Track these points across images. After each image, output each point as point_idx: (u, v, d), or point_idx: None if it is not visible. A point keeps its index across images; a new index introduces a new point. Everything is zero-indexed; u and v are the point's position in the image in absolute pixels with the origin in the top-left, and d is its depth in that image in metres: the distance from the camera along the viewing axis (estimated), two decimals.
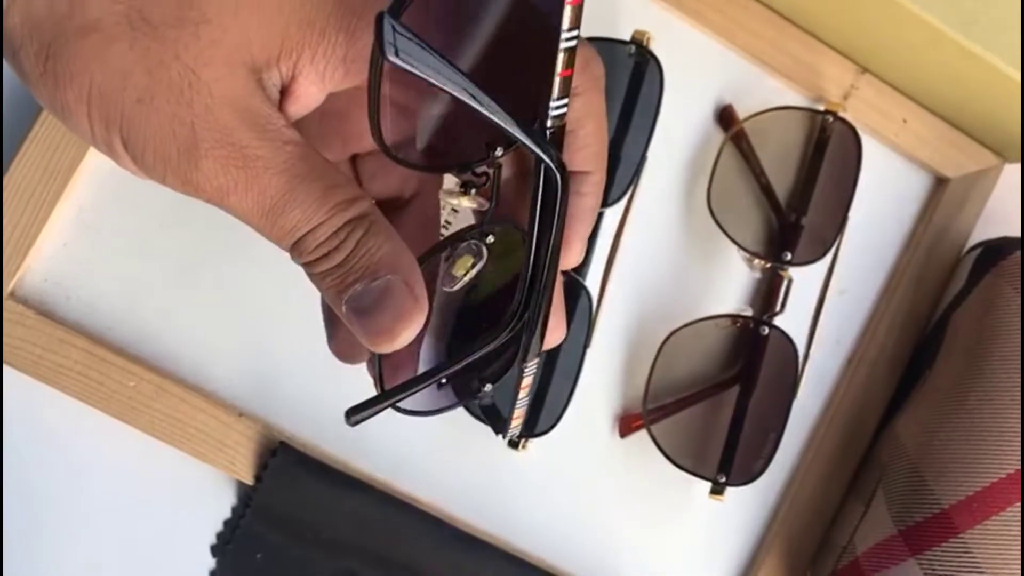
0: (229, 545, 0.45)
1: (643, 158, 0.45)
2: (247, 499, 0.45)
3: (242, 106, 0.25)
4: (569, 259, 0.30)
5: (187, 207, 0.45)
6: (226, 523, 0.46)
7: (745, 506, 0.49)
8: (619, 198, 0.45)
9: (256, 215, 0.26)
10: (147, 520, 0.45)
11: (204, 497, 0.45)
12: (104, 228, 0.45)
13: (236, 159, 0.25)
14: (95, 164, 0.44)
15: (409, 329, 0.26)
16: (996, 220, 0.50)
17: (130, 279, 0.45)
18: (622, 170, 0.45)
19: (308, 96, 0.27)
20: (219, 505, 0.46)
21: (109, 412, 0.43)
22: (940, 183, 0.50)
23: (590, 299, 0.45)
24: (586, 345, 0.45)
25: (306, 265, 0.27)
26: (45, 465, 0.44)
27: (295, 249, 0.26)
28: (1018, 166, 0.50)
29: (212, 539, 0.46)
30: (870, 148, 0.49)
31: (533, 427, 0.45)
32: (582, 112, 0.28)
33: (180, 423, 0.44)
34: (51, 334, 0.43)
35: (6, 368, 0.43)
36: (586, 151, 0.29)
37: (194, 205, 0.45)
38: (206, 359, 0.45)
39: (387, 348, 0.26)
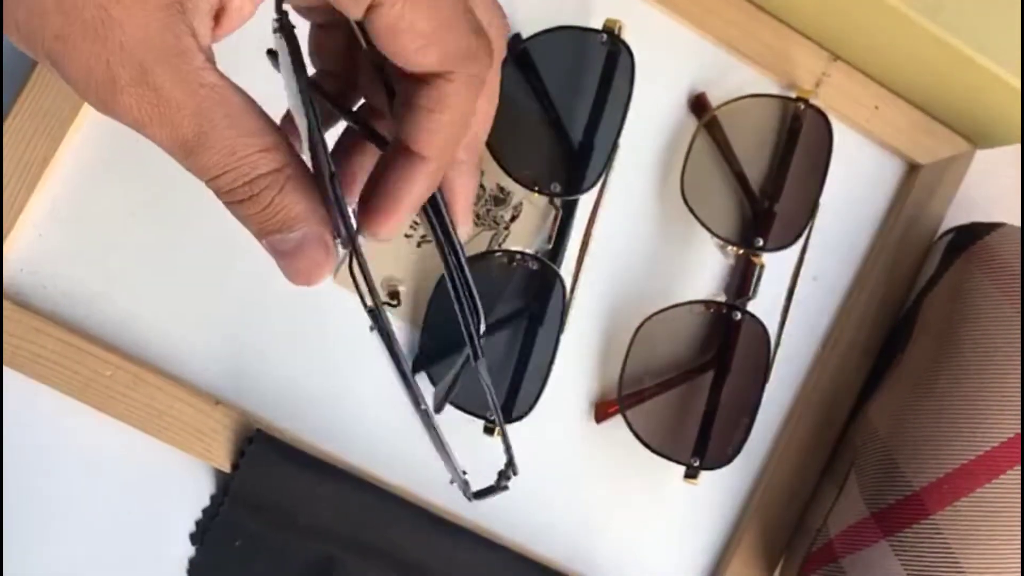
0: (208, 533, 0.45)
1: (615, 146, 0.46)
2: (225, 487, 0.45)
3: (156, 44, 0.25)
4: (389, 225, 0.30)
5: (162, 196, 0.45)
6: (204, 511, 0.46)
7: (720, 490, 0.49)
8: (592, 186, 0.46)
9: (172, 149, 0.27)
10: (125, 509, 0.45)
11: (182, 485, 0.46)
12: (79, 218, 0.45)
13: (151, 98, 0.26)
14: (69, 155, 0.45)
15: (323, 276, 0.29)
16: (968, 206, 0.50)
17: (106, 268, 0.45)
18: (595, 158, 0.46)
19: (242, 10, 0.28)
20: (197, 493, 0.46)
21: (85, 401, 0.44)
22: (912, 169, 0.51)
23: (563, 286, 0.46)
24: (560, 331, 0.46)
25: (224, 203, 0.28)
26: (21, 455, 0.45)
27: (211, 186, 0.27)
28: (990, 152, 0.50)
29: (191, 527, 0.46)
30: (842, 135, 0.50)
31: (509, 413, 0.45)
32: (446, 100, 0.29)
33: (157, 411, 0.44)
34: (27, 324, 0.43)
35: None
36: (433, 136, 0.29)
37: (169, 194, 0.45)
38: (182, 347, 0.45)
39: (304, 285, 0.29)
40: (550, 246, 0.47)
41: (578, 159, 0.46)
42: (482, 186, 0.47)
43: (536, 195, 0.47)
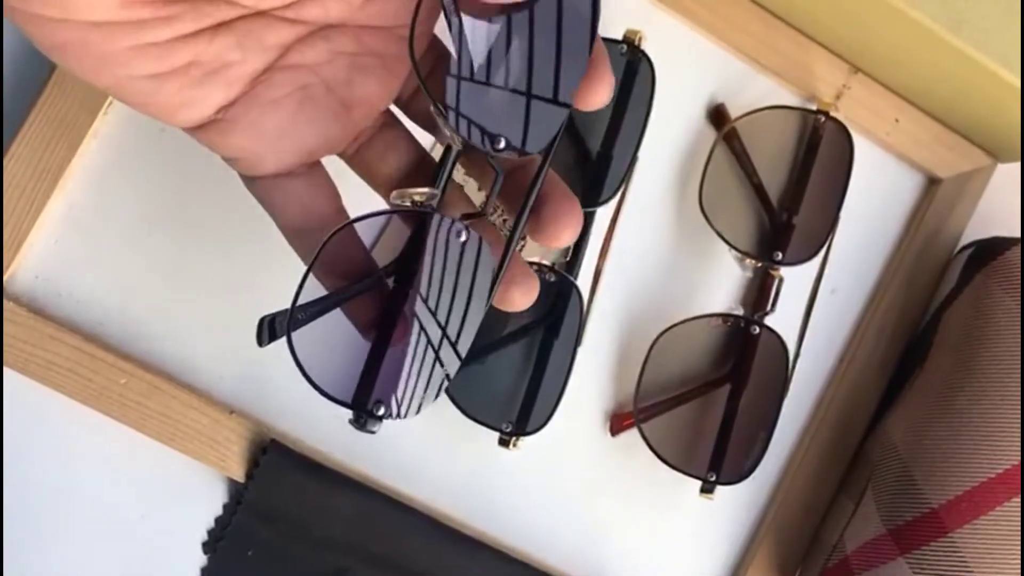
0: (221, 542, 0.45)
1: (634, 157, 0.45)
2: (238, 496, 0.45)
3: None
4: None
5: (179, 204, 0.45)
6: (218, 520, 0.46)
7: (736, 504, 0.49)
8: (610, 197, 0.45)
9: None
10: (139, 517, 0.45)
11: (196, 494, 0.46)
12: (95, 226, 0.45)
13: None
14: (86, 163, 0.44)
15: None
16: (988, 220, 0.50)
17: (121, 276, 0.45)
18: (613, 169, 0.45)
19: None
20: (211, 502, 0.46)
21: (100, 409, 0.43)
22: (932, 183, 0.50)
23: (581, 298, 0.45)
24: (577, 343, 0.45)
25: None
26: (37, 462, 0.44)
27: None
28: (1011, 166, 0.50)
29: (204, 536, 0.46)
30: (863, 148, 0.49)
31: (524, 425, 0.45)
32: None
33: (171, 420, 0.44)
34: (42, 331, 0.43)
35: None
36: None
37: (186, 202, 0.45)
38: (197, 356, 0.45)
39: None
40: (567, 258, 0.46)
41: (597, 171, 0.45)
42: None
43: None
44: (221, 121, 0.31)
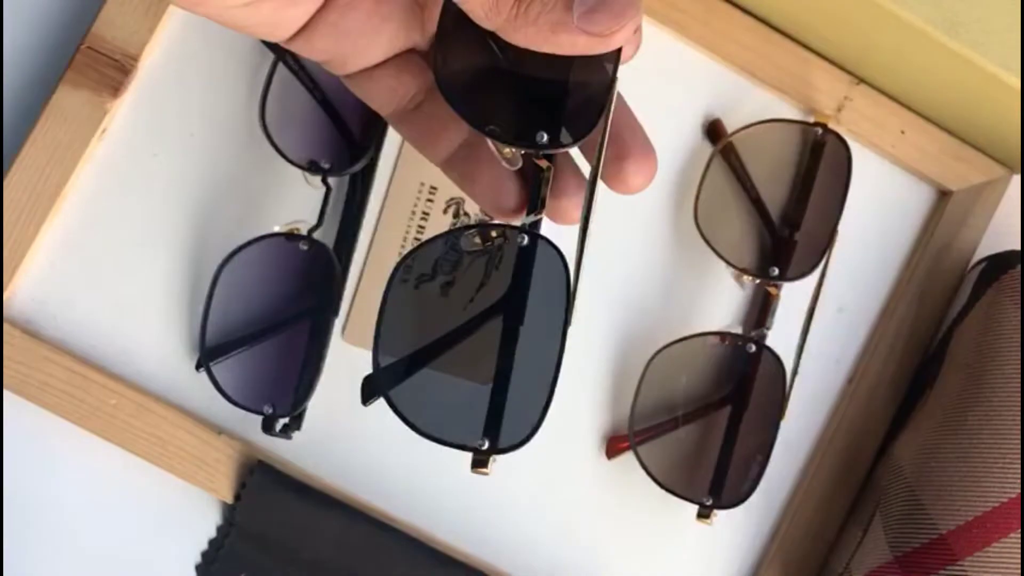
0: (214, 564, 0.45)
1: None
2: (231, 518, 0.45)
3: None
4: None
5: (171, 228, 0.46)
6: (211, 542, 0.46)
7: (741, 530, 0.47)
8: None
9: None
10: (132, 538, 0.45)
11: (189, 516, 0.46)
12: (89, 250, 0.46)
13: None
14: (81, 188, 0.45)
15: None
16: (1006, 233, 0.48)
17: (115, 299, 0.46)
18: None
19: None
20: (204, 524, 0.46)
21: (90, 429, 0.44)
22: (943, 196, 0.48)
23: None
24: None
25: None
26: (26, 482, 0.45)
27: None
28: None
29: (197, 558, 0.46)
30: (868, 161, 0.48)
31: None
32: None
33: (161, 441, 0.44)
34: (36, 352, 0.44)
35: None
36: None
37: (179, 226, 0.46)
38: (187, 378, 0.45)
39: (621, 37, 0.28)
40: None
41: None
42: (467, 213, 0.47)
43: None
44: (305, 28, 0.32)
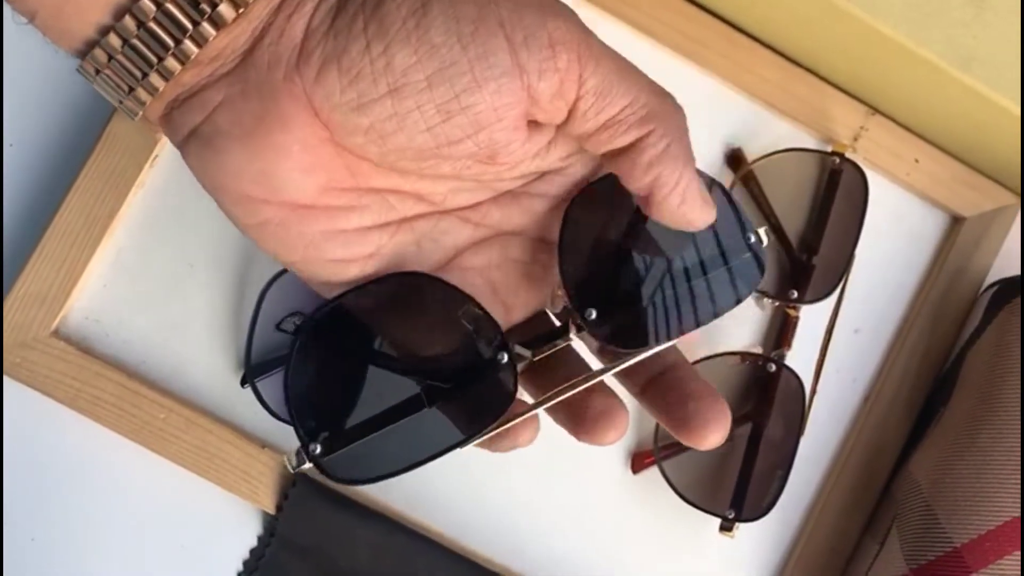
0: (255, 573, 0.47)
1: None
2: (271, 528, 0.47)
3: None
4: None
5: (219, 250, 0.48)
6: (252, 552, 0.48)
7: (760, 543, 0.49)
8: None
9: None
10: (177, 547, 0.47)
11: (232, 526, 0.48)
12: (140, 271, 0.48)
13: None
14: (133, 212, 0.48)
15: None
16: (1016, 257, 0.50)
17: (164, 317, 0.48)
18: None
19: None
20: (247, 533, 0.48)
21: (140, 442, 0.46)
22: (956, 222, 0.50)
23: None
24: None
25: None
26: (81, 493, 0.47)
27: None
28: None
29: (239, 567, 0.48)
30: (884, 188, 0.50)
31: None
32: None
33: (207, 454, 0.46)
34: (89, 368, 0.46)
35: (48, 400, 0.46)
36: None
37: (225, 248, 0.48)
38: (233, 393, 0.47)
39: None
40: None
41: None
42: None
43: None
44: None
